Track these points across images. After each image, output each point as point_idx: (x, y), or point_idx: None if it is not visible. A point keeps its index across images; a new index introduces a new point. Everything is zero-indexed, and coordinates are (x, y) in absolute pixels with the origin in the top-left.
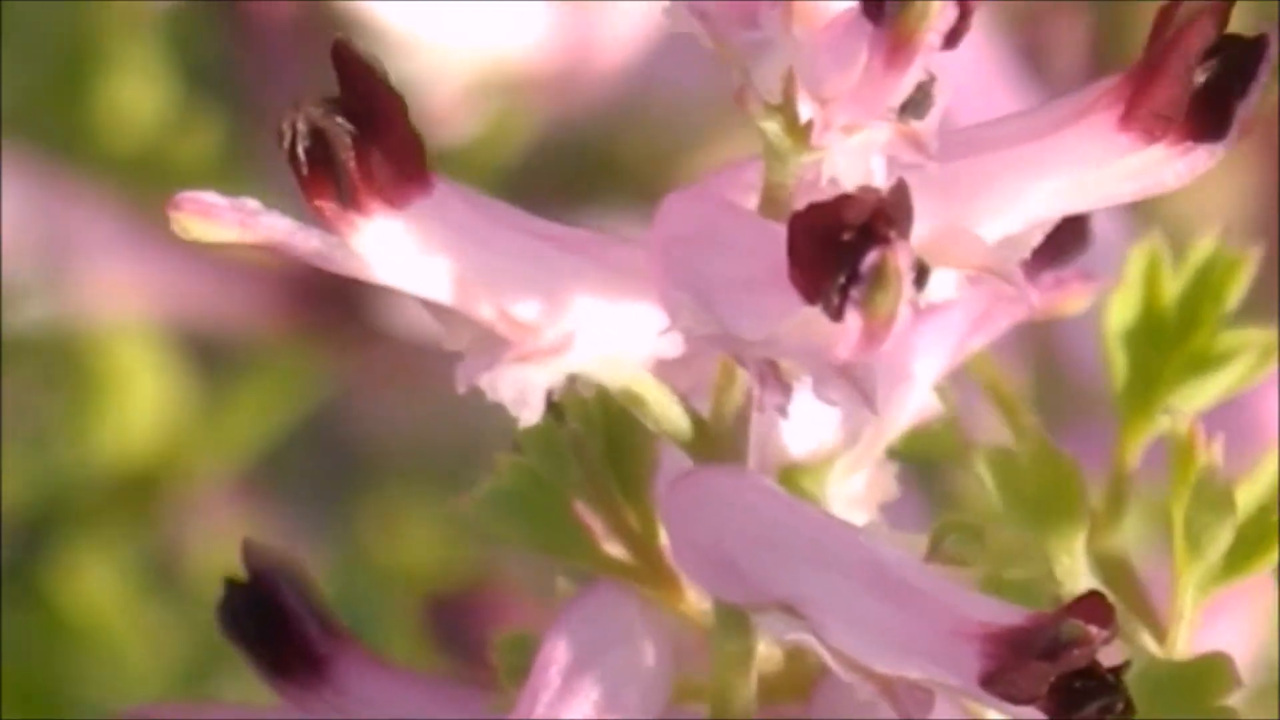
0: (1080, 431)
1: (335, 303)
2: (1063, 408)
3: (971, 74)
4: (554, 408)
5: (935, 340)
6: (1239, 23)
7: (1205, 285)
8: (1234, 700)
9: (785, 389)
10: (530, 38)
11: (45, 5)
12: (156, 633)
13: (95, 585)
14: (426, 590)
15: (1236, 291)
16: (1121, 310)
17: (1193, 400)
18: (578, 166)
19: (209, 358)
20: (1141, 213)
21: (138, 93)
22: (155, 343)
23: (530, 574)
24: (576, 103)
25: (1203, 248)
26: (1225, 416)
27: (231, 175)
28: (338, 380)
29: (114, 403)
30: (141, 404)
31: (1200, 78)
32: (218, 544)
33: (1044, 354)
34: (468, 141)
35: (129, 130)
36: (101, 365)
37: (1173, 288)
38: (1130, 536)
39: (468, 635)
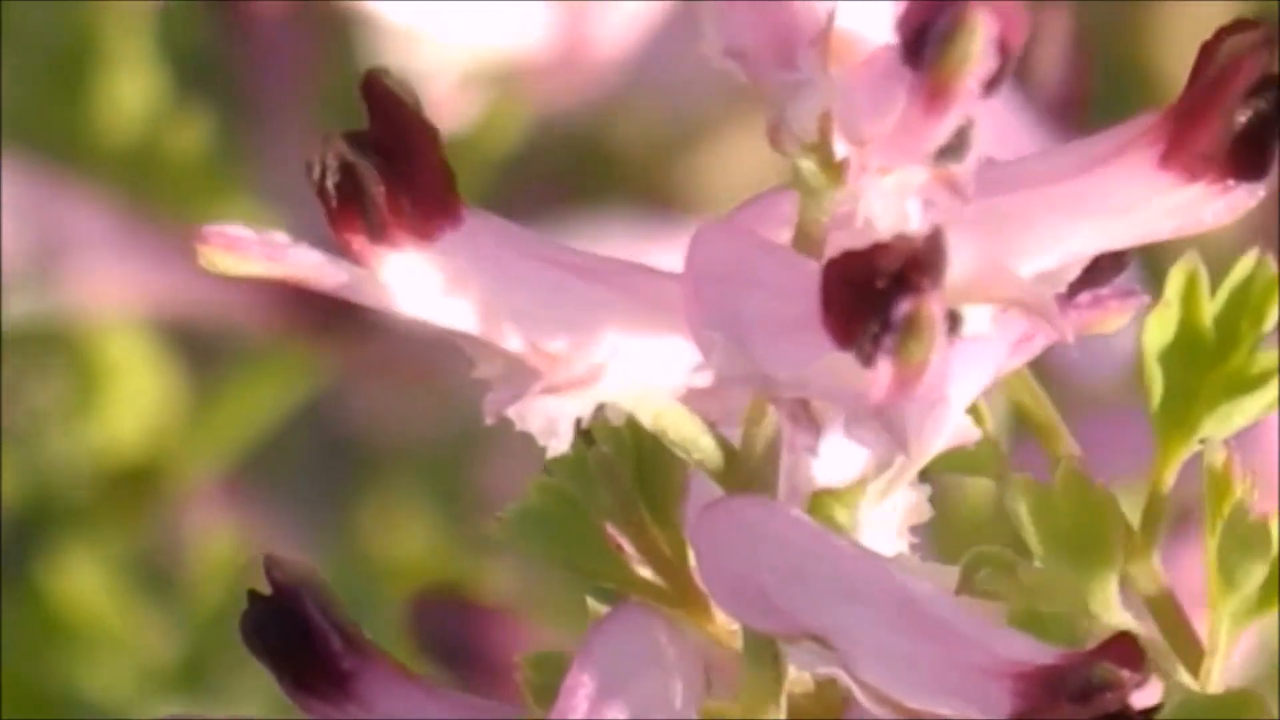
0: (1082, 428)
1: (329, 298)
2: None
3: None
4: (583, 431)
5: (971, 365)
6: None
7: (1243, 305)
8: None
9: (816, 429)
10: (526, 31)
11: (39, 3)
12: (149, 629)
13: (87, 582)
14: (411, 590)
15: (1275, 311)
16: (1158, 330)
17: (1230, 421)
18: (573, 159)
19: (202, 353)
20: None
21: (131, 88)
22: (148, 338)
23: (522, 577)
24: (572, 96)
25: (1241, 267)
26: (1247, 434)
27: (224, 172)
28: (332, 375)
29: (107, 398)
30: (135, 399)
31: (1242, 117)
32: (211, 540)
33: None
34: (463, 134)
35: (122, 126)
36: (94, 360)
37: (1210, 307)
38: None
39: (448, 639)
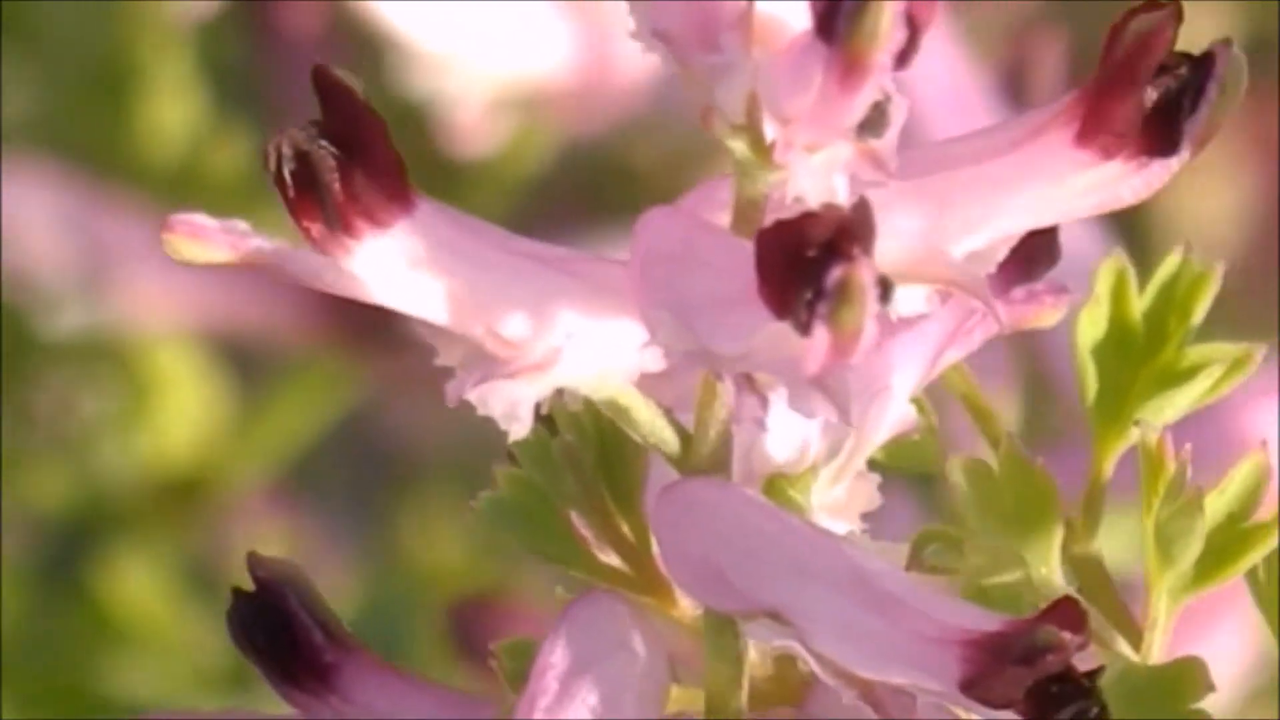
0: (1074, 447)
1: (368, 309)
2: (1055, 425)
3: (949, 95)
4: (546, 420)
5: (910, 353)
6: (1235, 25)
7: (1171, 300)
8: (1230, 701)
9: (762, 401)
10: (551, 54)
11: (78, 20)
12: (197, 635)
13: (137, 588)
14: (451, 596)
15: (1203, 306)
16: (1090, 325)
17: (1162, 413)
18: (598, 182)
19: (245, 365)
20: (1137, 226)
21: (172, 106)
22: (194, 350)
23: (557, 580)
24: (597, 119)
25: (1168, 263)
26: (1206, 430)
27: (262, 186)
28: (372, 386)
29: (156, 409)
30: (182, 410)
31: (1152, 95)
32: (256, 546)
33: (1034, 371)
34: (490, 157)
35: (162, 142)
36: (143, 372)
37: (1139, 303)
38: (1114, 546)
39: (490, 642)
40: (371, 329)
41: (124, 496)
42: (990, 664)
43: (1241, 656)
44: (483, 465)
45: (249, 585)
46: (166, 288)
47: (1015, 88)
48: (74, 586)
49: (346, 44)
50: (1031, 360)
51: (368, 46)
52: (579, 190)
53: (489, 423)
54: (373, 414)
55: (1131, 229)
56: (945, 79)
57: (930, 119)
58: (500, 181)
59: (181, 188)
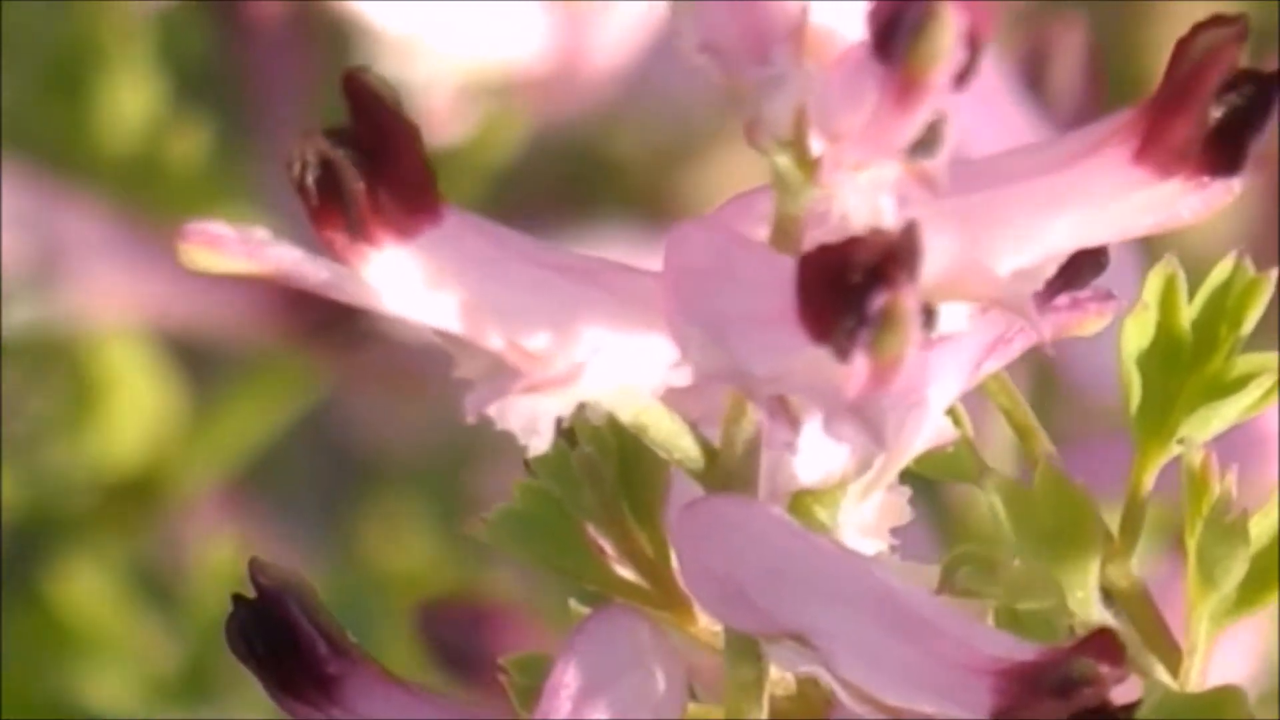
0: (1080, 448)
1: (329, 307)
2: (1062, 423)
3: (976, 90)
4: (566, 432)
5: (949, 366)
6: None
7: (1221, 308)
8: None
9: (794, 424)
10: (525, 41)
11: (35, 9)
12: (151, 639)
13: (88, 590)
14: (415, 599)
15: (1254, 315)
16: (1137, 334)
17: (1208, 424)
18: (572, 170)
19: (202, 362)
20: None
21: (130, 96)
22: (148, 347)
23: (525, 584)
24: (571, 106)
25: (1219, 271)
26: (1231, 437)
27: (223, 179)
28: (332, 384)
29: (107, 407)
30: (135, 409)
31: (1216, 113)
32: (212, 550)
33: (1043, 369)
34: (462, 145)
35: (120, 134)
36: (94, 370)
37: (1189, 311)
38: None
39: (459, 644)
40: (332, 325)
41: (75, 498)
42: (1023, 696)
43: (1245, 665)
44: (445, 466)
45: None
46: (119, 283)
47: (1033, 82)
48: (22, 590)
49: (312, 31)
50: (1041, 360)
51: (334, 32)
52: (552, 178)
53: (454, 422)
54: (332, 413)
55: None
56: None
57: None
58: (471, 170)
59: (141, 180)
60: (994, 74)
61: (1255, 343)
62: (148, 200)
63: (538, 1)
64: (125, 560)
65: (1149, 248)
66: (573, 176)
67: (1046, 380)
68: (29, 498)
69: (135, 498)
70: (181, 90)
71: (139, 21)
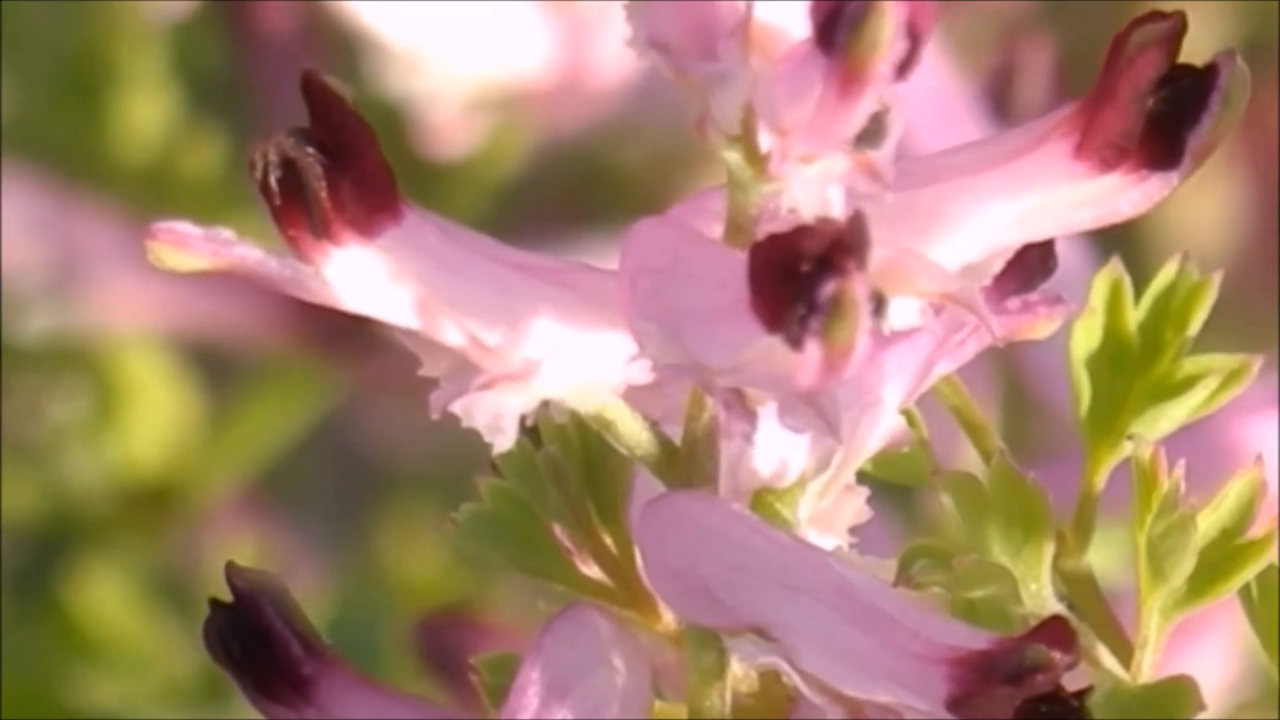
0: (1057, 459)
1: (343, 314)
2: (1038, 435)
3: (935, 102)
4: (531, 431)
5: (901, 365)
6: (1230, 29)
7: (1167, 312)
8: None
9: (750, 416)
10: (530, 53)
11: (50, 19)
12: (169, 644)
13: (106, 598)
14: (425, 607)
15: (1200, 317)
16: (1085, 337)
17: (1157, 425)
18: (576, 182)
19: (217, 371)
20: (1129, 234)
21: (142, 107)
22: (165, 355)
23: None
24: (575, 118)
25: (1164, 274)
26: (1200, 444)
27: (236, 188)
28: (346, 392)
29: (124, 415)
30: (151, 417)
31: (1152, 107)
32: (229, 555)
33: (1015, 382)
34: (467, 157)
35: (134, 144)
36: (112, 377)
37: (1135, 314)
38: (1105, 561)
39: (463, 654)
40: (347, 334)
41: (93, 504)
42: (978, 683)
43: (1226, 671)
44: (460, 473)
45: (223, 595)
46: (138, 291)
47: (1001, 95)
48: (42, 596)
49: (322, 43)
50: (1012, 371)
51: (343, 45)
52: (557, 191)
53: (467, 431)
54: (348, 420)
55: (1123, 237)
56: (930, 86)
57: (915, 126)
58: (477, 182)
59: (155, 189)
60: (957, 90)
61: (1213, 343)
62: (162, 209)
63: (543, 15)
64: (143, 566)
65: (1133, 247)
66: (578, 188)
67: (1017, 394)
68: (48, 504)
69: (153, 504)
70: (194, 100)
71: (153, 32)
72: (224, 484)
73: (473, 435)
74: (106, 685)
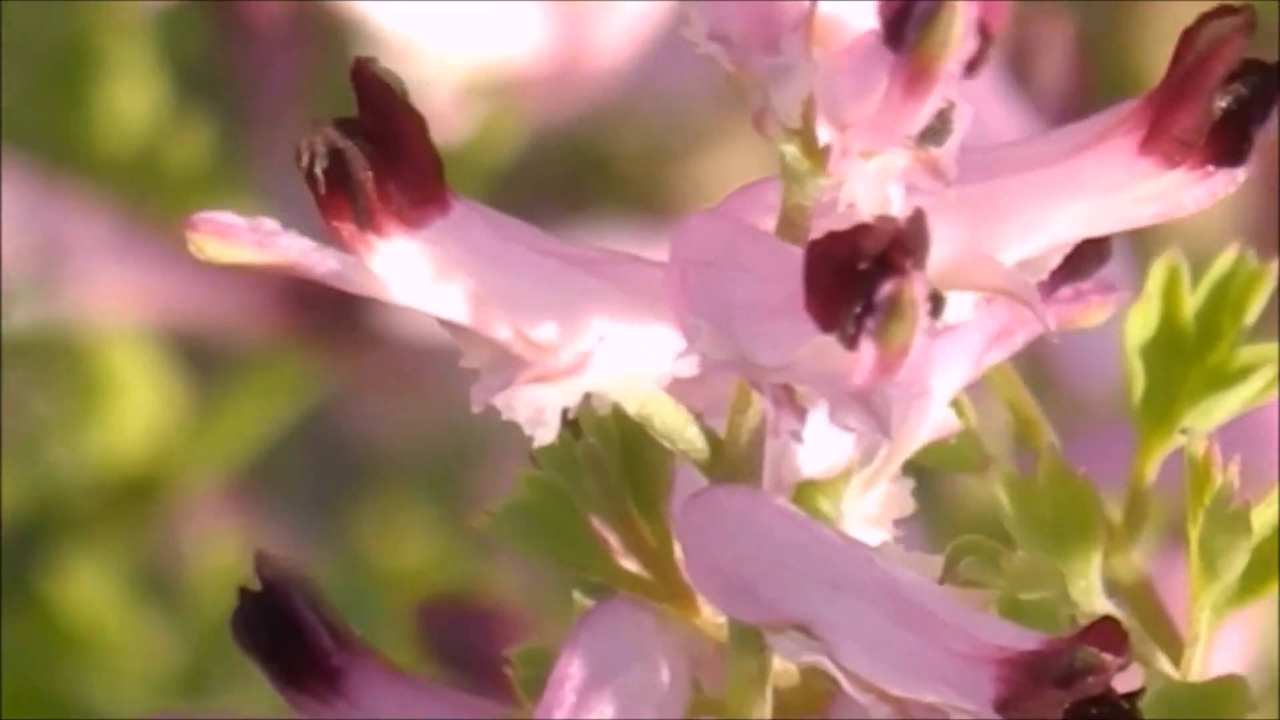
0: (1078, 441)
1: (330, 306)
2: (1058, 415)
3: None
4: (570, 423)
5: (952, 356)
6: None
7: (1224, 300)
8: None
9: (800, 414)
10: (525, 40)
11: (37, 9)
12: (152, 638)
13: (90, 590)
14: (415, 597)
15: (1256, 306)
16: (1140, 325)
17: (1211, 415)
18: (572, 169)
19: (203, 362)
20: (1134, 231)
21: (130, 96)
22: (149, 347)
23: (526, 580)
24: (571, 105)
25: (1222, 262)
26: (1235, 428)
27: (224, 178)
28: (333, 384)
29: (109, 407)
30: (136, 408)
31: (1221, 103)
32: (214, 549)
33: (1038, 362)
34: (462, 144)
35: (121, 133)
36: (96, 369)
37: (1191, 302)
38: (1145, 546)
39: (459, 642)
40: (333, 326)
41: (77, 497)
42: (1027, 685)
43: (1239, 660)
44: (445, 466)
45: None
46: (123, 282)
47: (1020, 74)
48: (25, 589)
49: (311, 31)
50: (1035, 349)
51: (334, 31)
52: (551, 178)
53: (455, 421)
54: (333, 413)
55: (1126, 232)
56: None
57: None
58: (472, 168)
59: (142, 179)
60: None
61: (1256, 334)
62: (149, 199)
63: (536, 2)
64: (127, 558)
65: (1143, 239)
66: (572, 174)
67: (1037, 373)
68: (31, 496)
69: (137, 496)
70: (182, 89)
71: (140, 21)
72: (208, 476)
73: (458, 427)
74: (90, 678)
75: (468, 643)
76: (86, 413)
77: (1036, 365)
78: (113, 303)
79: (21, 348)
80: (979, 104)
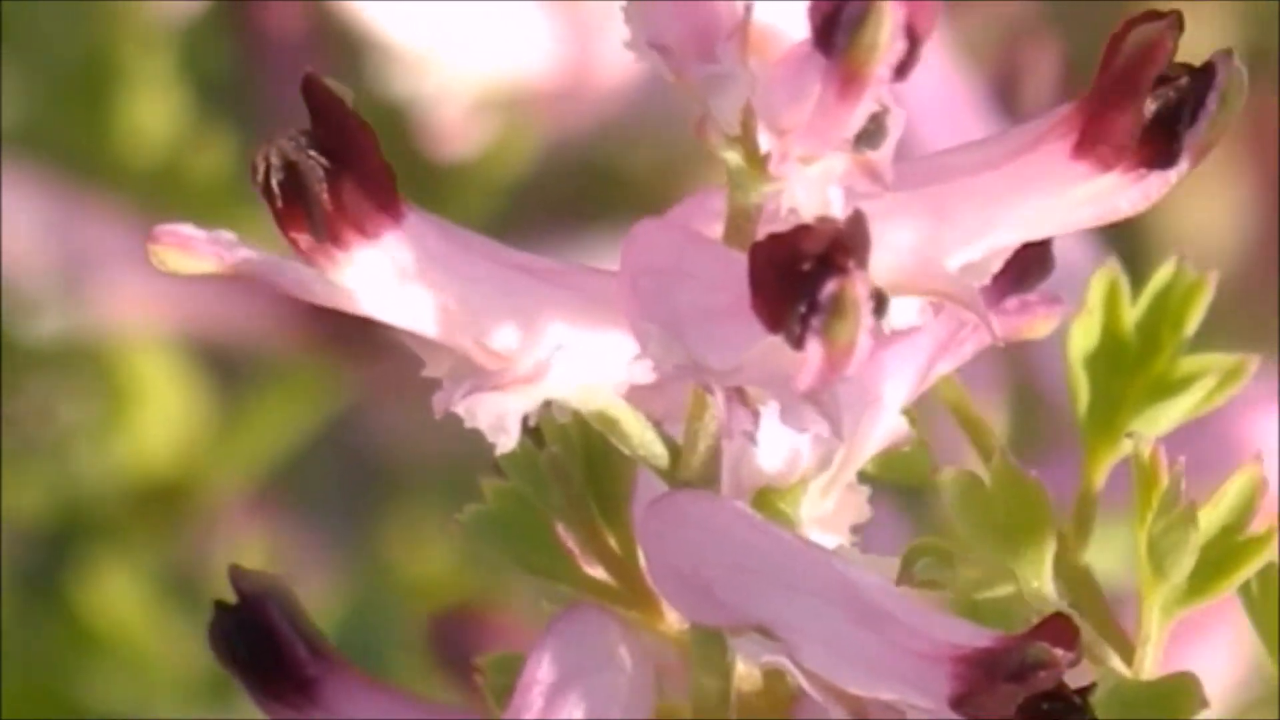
0: (1064, 458)
1: (350, 315)
2: (1044, 434)
3: (941, 104)
4: (533, 431)
5: (902, 365)
6: (1232, 34)
7: (1164, 311)
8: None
9: (753, 415)
10: (536, 54)
11: (59, 21)
12: (177, 644)
13: (116, 597)
14: (434, 607)
15: (1196, 316)
16: (1083, 336)
17: (1155, 424)
18: (583, 183)
19: (226, 370)
20: (1131, 235)
21: (151, 108)
22: (174, 355)
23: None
24: (582, 119)
25: (1161, 273)
26: (1201, 441)
27: (244, 189)
28: (355, 392)
29: (134, 415)
30: (161, 416)
31: (1151, 106)
32: (238, 554)
33: (1023, 380)
34: (474, 158)
35: (143, 145)
36: (122, 377)
37: (1132, 313)
38: (1107, 561)
39: (473, 651)
40: (356, 334)
41: (103, 504)
42: (981, 681)
43: (1231, 671)
44: (468, 473)
45: (230, 596)
46: (147, 291)
47: (1007, 97)
48: (52, 594)
49: (328, 45)
50: (1019, 371)
51: (350, 47)
52: (563, 192)
53: (474, 431)
54: (356, 420)
55: (1126, 238)
56: (936, 88)
57: (920, 128)
58: (483, 184)
59: (163, 191)
60: (963, 92)
61: (1218, 344)
62: (171, 210)
63: (548, 16)
64: (153, 564)
65: (1143, 243)
66: (584, 189)
67: (1025, 393)
68: (59, 503)
69: (163, 503)
70: (202, 102)
71: (161, 34)
72: (233, 483)
73: (479, 436)
74: (115, 684)
75: (479, 653)
76: (113, 420)
77: (1020, 379)
78: (138, 312)
79: (49, 356)
80: (964, 126)
